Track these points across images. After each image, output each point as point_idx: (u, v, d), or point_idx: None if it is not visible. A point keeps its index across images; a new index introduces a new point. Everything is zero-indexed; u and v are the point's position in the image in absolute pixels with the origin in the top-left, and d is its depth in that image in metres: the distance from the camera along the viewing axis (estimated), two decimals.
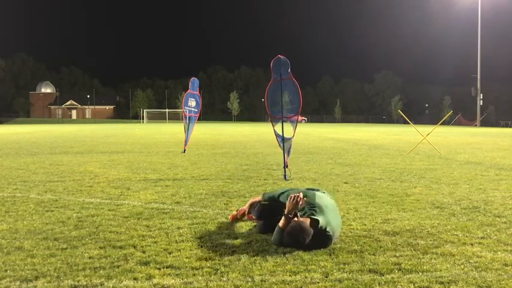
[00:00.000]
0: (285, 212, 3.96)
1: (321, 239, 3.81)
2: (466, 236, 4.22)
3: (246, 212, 4.75)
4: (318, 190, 4.50)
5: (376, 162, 10.74)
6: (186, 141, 13.82)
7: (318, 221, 3.84)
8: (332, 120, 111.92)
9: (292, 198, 3.99)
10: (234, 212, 4.93)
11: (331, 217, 3.98)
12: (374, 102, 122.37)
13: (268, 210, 4.39)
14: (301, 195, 4.04)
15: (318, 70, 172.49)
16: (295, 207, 3.96)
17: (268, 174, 8.61)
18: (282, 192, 4.51)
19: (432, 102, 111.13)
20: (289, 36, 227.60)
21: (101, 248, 3.84)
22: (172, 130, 35.64)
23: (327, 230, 3.84)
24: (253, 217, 4.59)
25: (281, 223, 3.93)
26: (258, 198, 4.78)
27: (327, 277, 3.19)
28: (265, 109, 8.93)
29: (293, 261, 3.50)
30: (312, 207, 4.01)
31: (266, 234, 4.21)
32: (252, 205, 4.71)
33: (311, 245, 3.75)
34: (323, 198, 4.22)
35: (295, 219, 3.86)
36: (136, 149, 14.98)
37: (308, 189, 4.54)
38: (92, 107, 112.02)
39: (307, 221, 3.84)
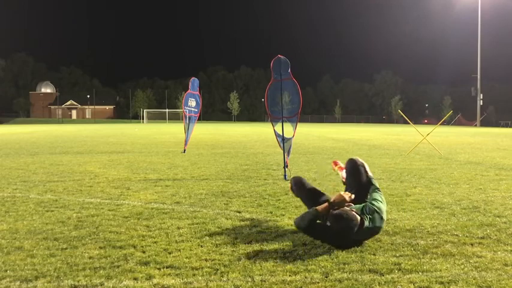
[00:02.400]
0: (331, 201, 3.92)
1: (351, 240, 3.81)
2: (466, 236, 4.22)
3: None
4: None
5: (376, 162, 10.73)
6: (186, 141, 13.82)
7: (363, 223, 3.82)
8: (332, 120, 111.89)
9: (344, 197, 3.96)
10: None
11: (368, 234, 3.95)
12: (374, 102, 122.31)
13: (302, 184, 4.43)
14: (352, 197, 4.00)
15: (318, 70, 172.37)
16: (342, 204, 3.93)
17: (268, 174, 8.61)
18: (373, 199, 4.21)
19: (432, 102, 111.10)
20: (289, 36, 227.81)
21: (101, 248, 3.84)
22: (172, 130, 35.64)
23: (360, 237, 3.85)
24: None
25: (321, 208, 3.90)
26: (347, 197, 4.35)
27: (327, 277, 3.19)
28: (265, 109, 8.93)
29: (293, 261, 3.50)
30: (373, 211, 3.95)
31: (266, 234, 4.22)
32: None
33: (333, 239, 3.75)
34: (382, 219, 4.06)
35: (349, 207, 3.83)
36: (136, 149, 14.98)
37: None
38: (92, 107, 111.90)
39: (358, 217, 3.80)
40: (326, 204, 3.95)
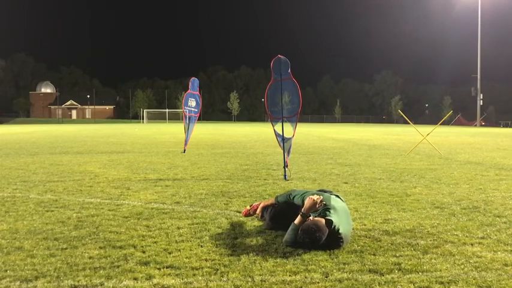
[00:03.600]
0: (302, 211, 4.00)
1: (333, 240, 3.81)
2: (466, 236, 4.22)
3: (258, 213, 4.75)
4: (331, 193, 4.54)
5: (376, 162, 10.73)
6: (186, 141, 13.82)
7: (331, 221, 3.85)
8: (332, 120, 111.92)
9: (312, 198, 4.03)
10: (248, 207, 4.96)
11: (343, 220, 4.00)
12: (374, 102, 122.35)
13: (281, 214, 4.39)
14: (321, 198, 4.07)
15: (318, 70, 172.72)
16: (313, 208, 4.00)
17: (268, 174, 8.61)
18: (296, 195, 4.49)
19: (432, 102, 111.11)
20: (289, 36, 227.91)
21: (101, 248, 3.84)
22: (172, 130, 35.64)
23: (340, 231, 3.84)
24: (265, 220, 4.59)
25: (297, 220, 3.97)
26: (271, 201, 4.76)
27: (327, 277, 3.19)
28: (265, 109, 8.93)
29: (293, 261, 3.50)
30: (326, 209, 4.03)
31: (266, 234, 4.22)
32: (264, 208, 4.70)
33: (324, 246, 3.76)
34: (337, 201, 4.26)
35: (310, 218, 3.92)
36: (136, 149, 14.98)
37: (320, 190, 4.57)
38: (92, 107, 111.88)
39: (322, 220, 3.86)
40: (300, 216, 3.99)
